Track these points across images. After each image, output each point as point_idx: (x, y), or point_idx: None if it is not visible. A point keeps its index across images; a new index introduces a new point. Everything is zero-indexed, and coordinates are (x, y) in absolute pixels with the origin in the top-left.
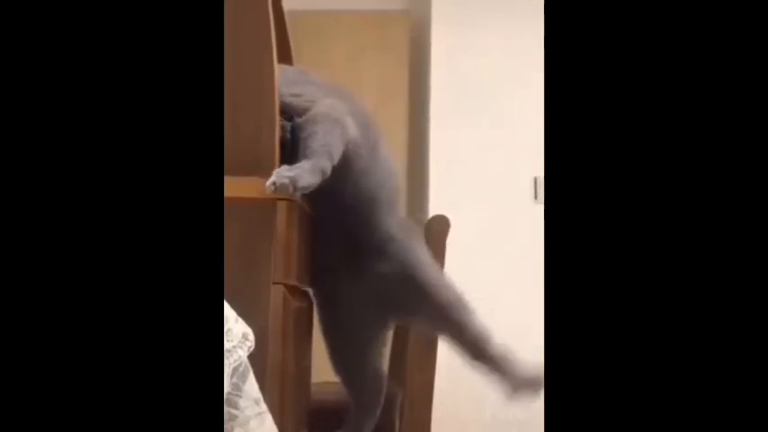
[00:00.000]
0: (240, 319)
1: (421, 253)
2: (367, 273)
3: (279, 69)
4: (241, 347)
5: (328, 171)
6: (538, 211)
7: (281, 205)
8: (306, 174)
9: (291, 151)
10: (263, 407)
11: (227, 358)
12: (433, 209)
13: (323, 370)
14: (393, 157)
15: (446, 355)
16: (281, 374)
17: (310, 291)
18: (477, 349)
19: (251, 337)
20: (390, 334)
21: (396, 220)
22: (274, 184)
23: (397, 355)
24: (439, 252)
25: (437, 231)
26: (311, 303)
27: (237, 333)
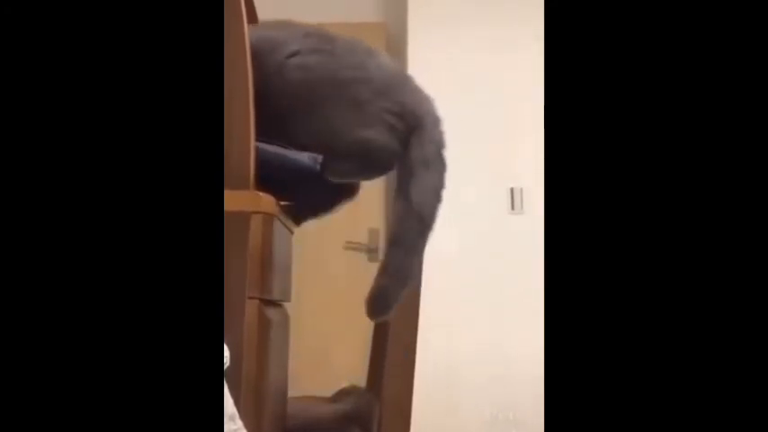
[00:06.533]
0: None
1: None
2: None
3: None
4: None
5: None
6: (514, 222)
7: (256, 218)
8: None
9: (315, 182)
10: (239, 423)
11: None
12: None
13: (300, 384)
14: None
15: (446, 355)
16: (256, 390)
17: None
18: None
19: (226, 352)
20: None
21: None
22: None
23: (374, 368)
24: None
25: None
26: (287, 317)
27: None
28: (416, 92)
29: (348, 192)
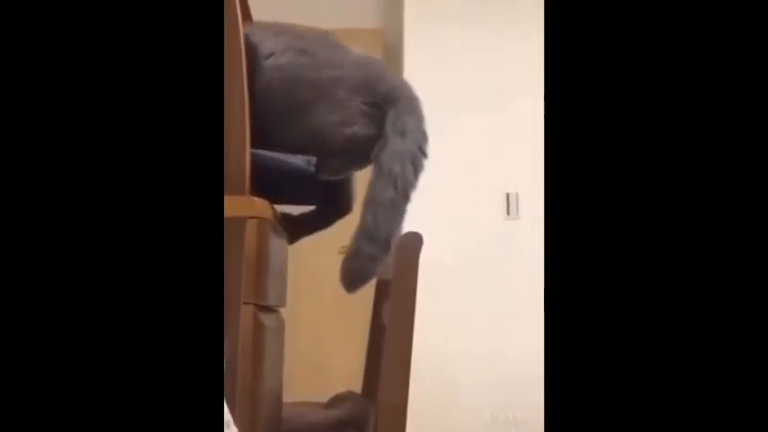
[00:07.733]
0: None
1: None
2: None
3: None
4: None
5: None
6: (510, 227)
7: (251, 223)
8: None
9: (312, 186)
10: (234, 430)
11: None
12: (406, 225)
13: (295, 389)
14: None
15: (444, 358)
16: (251, 396)
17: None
18: None
19: None
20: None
21: None
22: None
23: (370, 374)
24: (411, 268)
25: (409, 248)
26: (282, 323)
27: None
28: (390, 79)
29: (343, 208)
